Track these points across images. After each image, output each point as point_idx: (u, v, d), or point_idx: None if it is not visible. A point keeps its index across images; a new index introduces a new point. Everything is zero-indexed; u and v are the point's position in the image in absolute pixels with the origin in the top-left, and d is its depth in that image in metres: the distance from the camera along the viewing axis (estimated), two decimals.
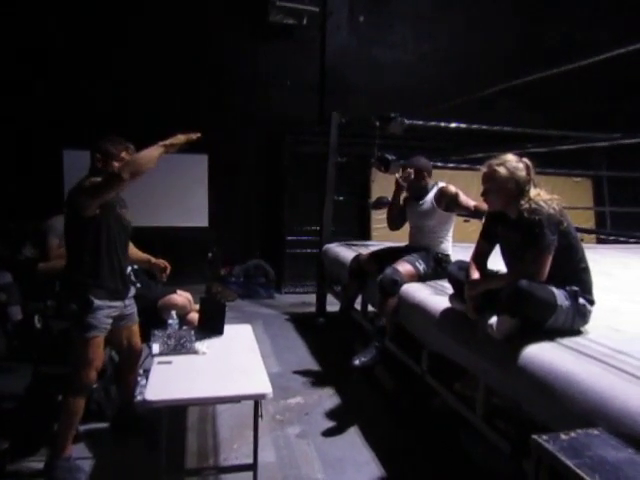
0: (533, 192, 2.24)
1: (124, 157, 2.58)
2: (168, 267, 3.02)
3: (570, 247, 2.21)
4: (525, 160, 2.31)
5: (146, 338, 2.91)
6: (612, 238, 6.02)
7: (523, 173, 2.26)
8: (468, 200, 3.44)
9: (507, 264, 2.46)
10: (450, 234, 3.59)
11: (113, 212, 2.58)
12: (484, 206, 3.26)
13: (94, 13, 6.17)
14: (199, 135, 2.59)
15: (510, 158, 2.31)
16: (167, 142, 2.50)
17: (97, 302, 2.50)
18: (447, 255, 3.53)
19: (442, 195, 3.49)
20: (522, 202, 2.22)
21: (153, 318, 3.20)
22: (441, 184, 3.59)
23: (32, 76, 6.01)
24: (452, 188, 3.48)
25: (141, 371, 3.29)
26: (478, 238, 2.56)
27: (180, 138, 2.54)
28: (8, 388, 3.21)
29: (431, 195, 3.56)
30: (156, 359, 2.58)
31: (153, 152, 2.46)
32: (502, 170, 2.27)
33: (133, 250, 2.98)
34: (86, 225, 2.51)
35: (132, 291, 2.81)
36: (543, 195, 2.23)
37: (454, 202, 3.45)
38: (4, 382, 3.39)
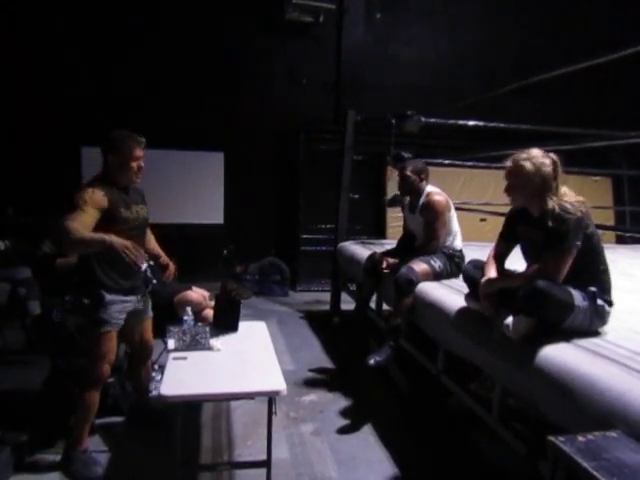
0: (560, 191, 2.18)
1: (138, 155, 2.55)
2: (172, 269, 2.99)
3: (592, 249, 2.17)
4: (552, 155, 2.23)
5: (162, 334, 2.94)
6: (630, 235, 5.92)
7: (549, 169, 2.18)
8: (441, 229, 3.40)
9: (528, 264, 2.42)
10: (454, 229, 3.52)
11: (117, 210, 2.50)
12: (436, 244, 3.39)
13: (111, 11, 6.24)
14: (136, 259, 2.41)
15: (536, 153, 2.23)
16: (114, 242, 2.35)
17: (109, 297, 2.51)
18: (459, 250, 3.50)
19: (426, 208, 3.46)
20: (548, 201, 2.16)
21: (169, 314, 3.23)
22: (430, 190, 3.52)
23: (50, 75, 6.10)
24: (437, 206, 3.40)
25: (156, 366, 3.32)
26: (497, 238, 2.53)
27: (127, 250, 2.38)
28: (26, 381, 3.26)
29: (420, 202, 3.51)
30: (171, 355, 2.60)
31: (92, 237, 2.33)
32: (528, 165, 2.19)
33: (152, 243, 2.98)
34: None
35: (148, 287, 2.82)
36: (569, 196, 2.17)
37: (430, 224, 3.43)
38: (23, 375, 3.45)
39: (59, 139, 6.05)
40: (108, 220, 2.46)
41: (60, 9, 6.07)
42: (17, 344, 4.03)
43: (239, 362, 2.56)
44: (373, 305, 4.12)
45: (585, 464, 1.37)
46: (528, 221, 2.32)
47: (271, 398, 2.37)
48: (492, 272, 2.40)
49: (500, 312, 2.28)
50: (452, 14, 7.47)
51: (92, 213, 2.38)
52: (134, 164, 2.55)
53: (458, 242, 3.54)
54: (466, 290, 2.69)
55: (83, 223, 2.33)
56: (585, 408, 1.74)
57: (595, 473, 1.33)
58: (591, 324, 2.17)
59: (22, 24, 6.02)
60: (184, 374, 2.39)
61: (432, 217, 3.42)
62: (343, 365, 4.17)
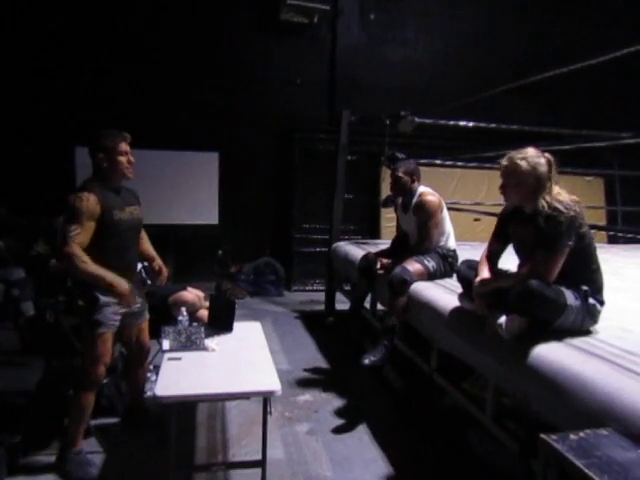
0: (554, 190, 2.19)
1: (125, 149, 2.57)
2: (164, 273, 2.99)
3: (584, 249, 2.18)
4: (547, 155, 2.24)
5: (156, 334, 2.93)
6: (622, 235, 5.96)
7: (544, 169, 2.20)
8: (434, 229, 3.42)
9: (521, 263, 2.43)
10: (447, 229, 3.54)
11: (110, 214, 2.50)
12: (430, 244, 3.41)
13: (108, 11, 6.22)
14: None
15: (532, 153, 2.24)
16: (115, 286, 2.47)
17: (103, 299, 2.49)
18: (452, 250, 3.53)
19: (418, 208, 3.48)
20: (541, 200, 2.17)
21: (163, 315, 3.22)
22: (422, 190, 3.54)
23: (44, 74, 6.08)
24: (430, 206, 3.42)
25: (151, 367, 3.32)
26: (490, 237, 2.54)
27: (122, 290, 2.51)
28: (20, 382, 3.25)
29: (413, 202, 3.53)
30: (166, 355, 2.60)
31: (98, 273, 2.43)
32: (524, 164, 2.20)
33: (146, 244, 2.97)
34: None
35: (144, 287, 2.81)
36: (564, 195, 2.18)
37: (423, 224, 3.45)
38: (16, 376, 3.44)
39: (53, 139, 6.02)
40: (102, 224, 2.47)
41: (57, 9, 6.04)
42: (11, 345, 4.02)
43: (234, 362, 2.56)
44: (367, 305, 4.13)
45: (577, 462, 1.39)
46: (520, 220, 2.34)
47: (266, 398, 2.38)
48: (485, 272, 2.41)
49: (493, 312, 2.29)
50: (446, 15, 7.48)
51: (89, 226, 2.43)
52: (123, 159, 2.56)
53: (451, 242, 3.55)
54: (459, 290, 2.71)
55: (83, 241, 2.40)
56: (577, 406, 1.75)
57: (587, 470, 1.35)
58: (583, 323, 2.19)
59: (19, 23, 5.99)
60: (179, 374, 2.39)
61: (425, 217, 3.43)
62: (338, 365, 4.18)
